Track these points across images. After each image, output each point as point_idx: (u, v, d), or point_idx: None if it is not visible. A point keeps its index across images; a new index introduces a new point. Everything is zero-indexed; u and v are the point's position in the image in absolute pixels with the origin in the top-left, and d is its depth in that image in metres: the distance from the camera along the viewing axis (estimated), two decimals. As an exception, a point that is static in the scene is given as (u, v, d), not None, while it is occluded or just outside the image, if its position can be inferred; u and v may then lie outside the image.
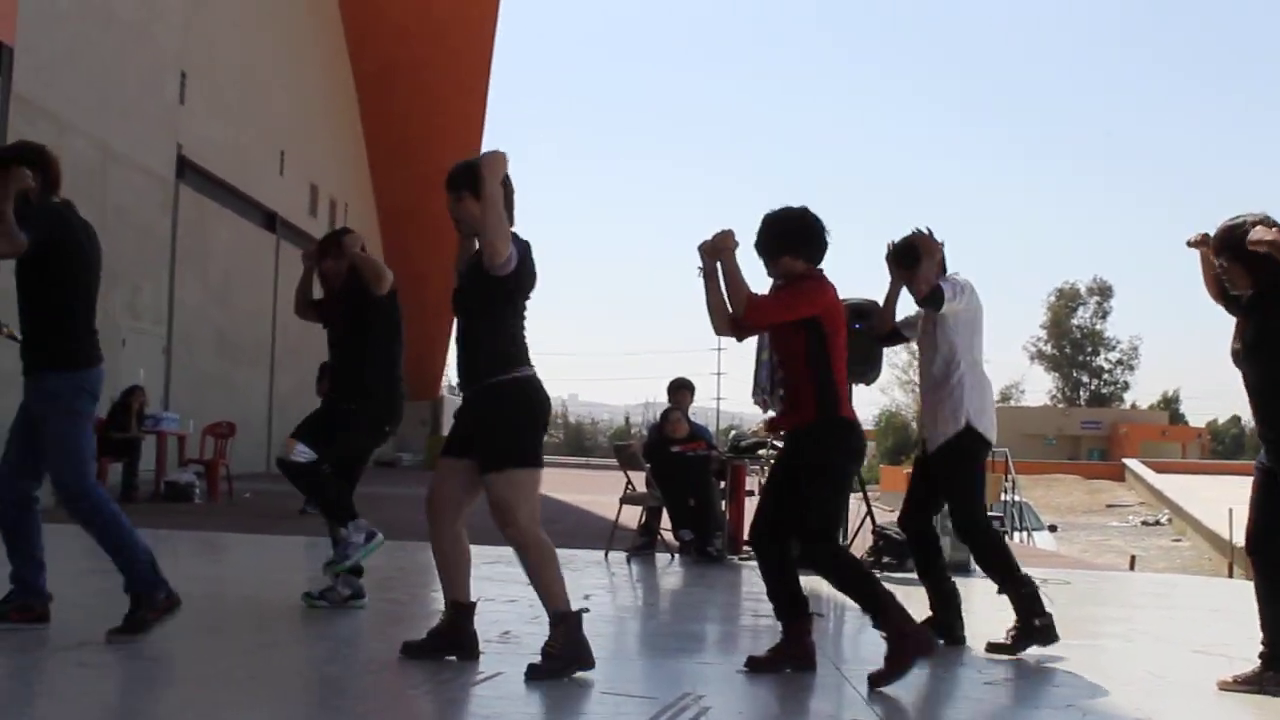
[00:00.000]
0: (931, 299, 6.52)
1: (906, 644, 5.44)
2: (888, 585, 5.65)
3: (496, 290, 5.46)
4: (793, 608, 5.78)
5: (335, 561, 6.86)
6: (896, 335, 7.19)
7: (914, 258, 6.63)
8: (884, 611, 5.52)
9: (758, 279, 5.84)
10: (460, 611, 5.67)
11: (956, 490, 6.64)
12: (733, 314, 5.79)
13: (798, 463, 5.74)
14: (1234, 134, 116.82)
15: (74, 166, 16.25)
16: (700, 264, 5.76)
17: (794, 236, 5.80)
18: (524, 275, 5.50)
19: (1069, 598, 9.28)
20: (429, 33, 30.08)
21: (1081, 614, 8.69)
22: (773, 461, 6.04)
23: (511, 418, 5.48)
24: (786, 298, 5.74)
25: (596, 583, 9.38)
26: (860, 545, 11.82)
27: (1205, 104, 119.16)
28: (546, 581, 5.50)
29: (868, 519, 11.83)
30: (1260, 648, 5.58)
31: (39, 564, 6.02)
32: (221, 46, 22.19)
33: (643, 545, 11.59)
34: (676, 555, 11.39)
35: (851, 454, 5.82)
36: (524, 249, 5.51)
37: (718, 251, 5.73)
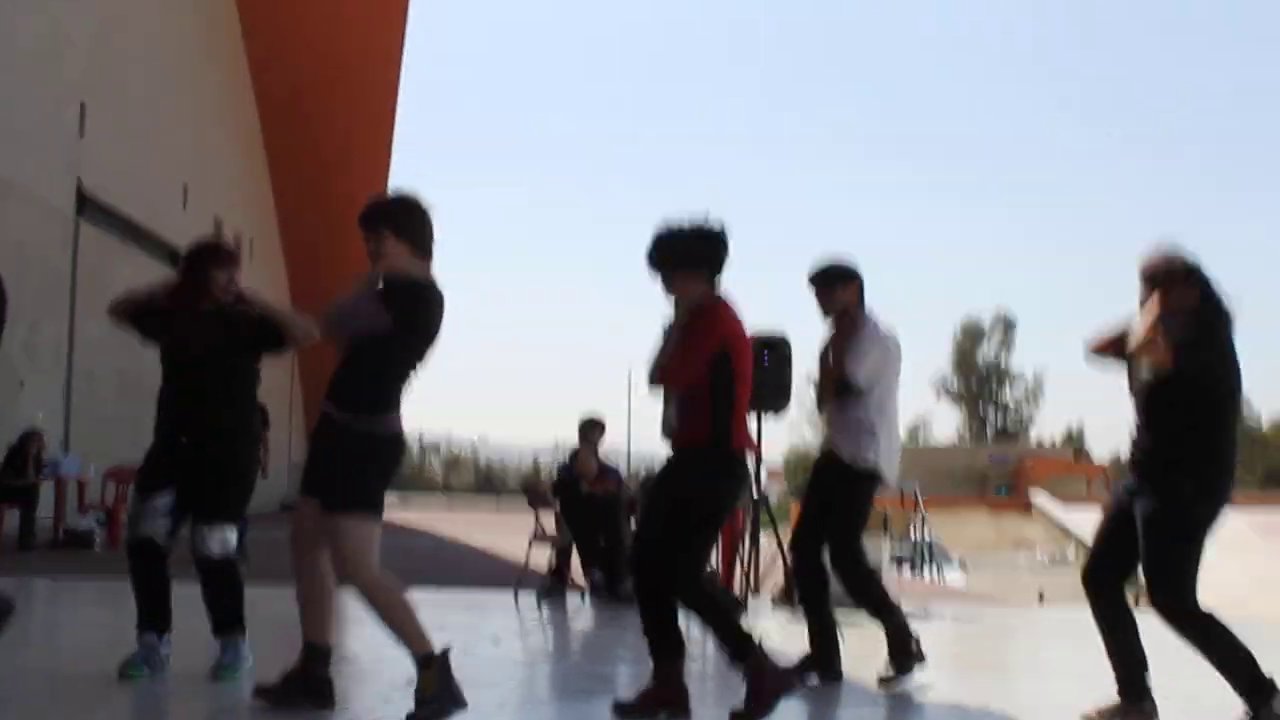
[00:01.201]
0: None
1: (765, 681, 5.30)
2: (803, 623, 5.60)
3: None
4: (666, 645, 5.57)
5: (229, 666, 6.07)
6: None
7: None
8: (743, 649, 5.37)
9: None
10: (315, 654, 5.36)
11: (840, 517, 6.71)
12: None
13: (675, 488, 5.61)
14: (1127, 165, 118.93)
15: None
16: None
17: (690, 252, 5.59)
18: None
19: (978, 634, 9.30)
20: (334, 61, 29.77)
21: (991, 649, 8.71)
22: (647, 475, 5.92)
23: (352, 462, 5.18)
24: (691, 353, 5.50)
25: (506, 625, 9.26)
26: (770, 583, 11.79)
27: (1100, 136, 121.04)
28: (399, 625, 5.13)
29: (780, 557, 11.78)
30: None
31: None
32: (123, 76, 21.83)
33: (553, 586, 11.45)
34: (587, 596, 11.28)
35: (731, 489, 5.60)
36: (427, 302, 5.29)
37: None
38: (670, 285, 5.63)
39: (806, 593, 6.74)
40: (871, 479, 6.69)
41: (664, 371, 5.60)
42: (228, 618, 6.08)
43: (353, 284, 5.32)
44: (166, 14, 24.68)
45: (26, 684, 5.64)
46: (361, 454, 5.16)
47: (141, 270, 23.08)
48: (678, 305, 5.62)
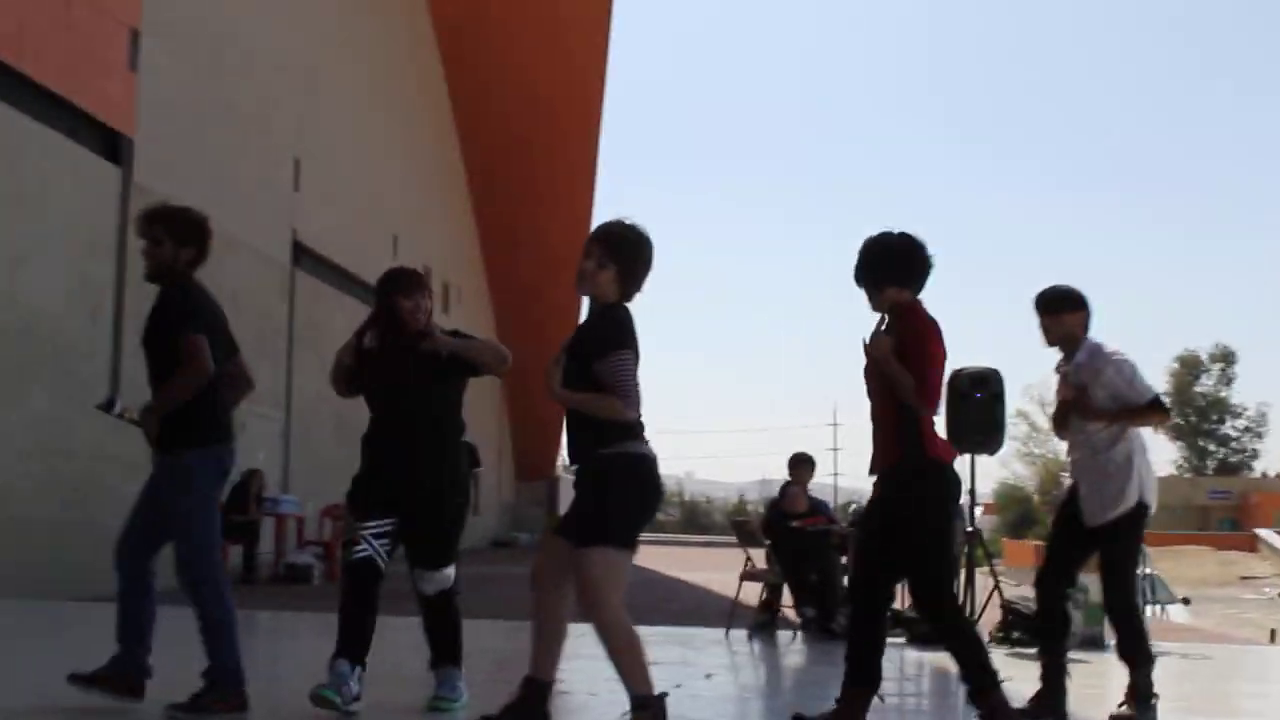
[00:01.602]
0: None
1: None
2: (1019, 662, 5.41)
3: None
4: (867, 672, 5.48)
5: (446, 698, 6.04)
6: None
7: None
8: (989, 684, 5.27)
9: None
10: (537, 689, 5.24)
11: (1119, 569, 6.34)
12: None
13: (894, 511, 5.47)
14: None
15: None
16: None
17: (896, 264, 5.53)
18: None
19: (1209, 673, 8.91)
20: (537, 113, 30.33)
21: (1222, 689, 8.34)
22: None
23: (616, 494, 5.10)
24: (928, 361, 5.41)
25: (718, 661, 9.18)
26: (988, 620, 11.50)
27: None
28: (629, 664, 5.07)
29: (995, 593, 11.51)
30: None
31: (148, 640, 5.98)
32: (334, 134, 22.54)
33: (764, 623, 11.35)
34: (799, 632, 11.13)
35: (945, 498, 5.49)
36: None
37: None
38: (877, 301, 5.54)
39: (1048, 632, 6.43)
40: (1142, 512, 6.33)
41: (931, 393, 5.44)
42: (445, 651, 6.08)
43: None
44: (374, 74, 25.39)
45: (253, 714, 5.74)
46: (625, 481, 5.09)
47: (354, 317, 23.68)
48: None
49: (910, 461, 5.41)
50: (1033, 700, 6.15)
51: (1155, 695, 6.12)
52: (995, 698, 5.27)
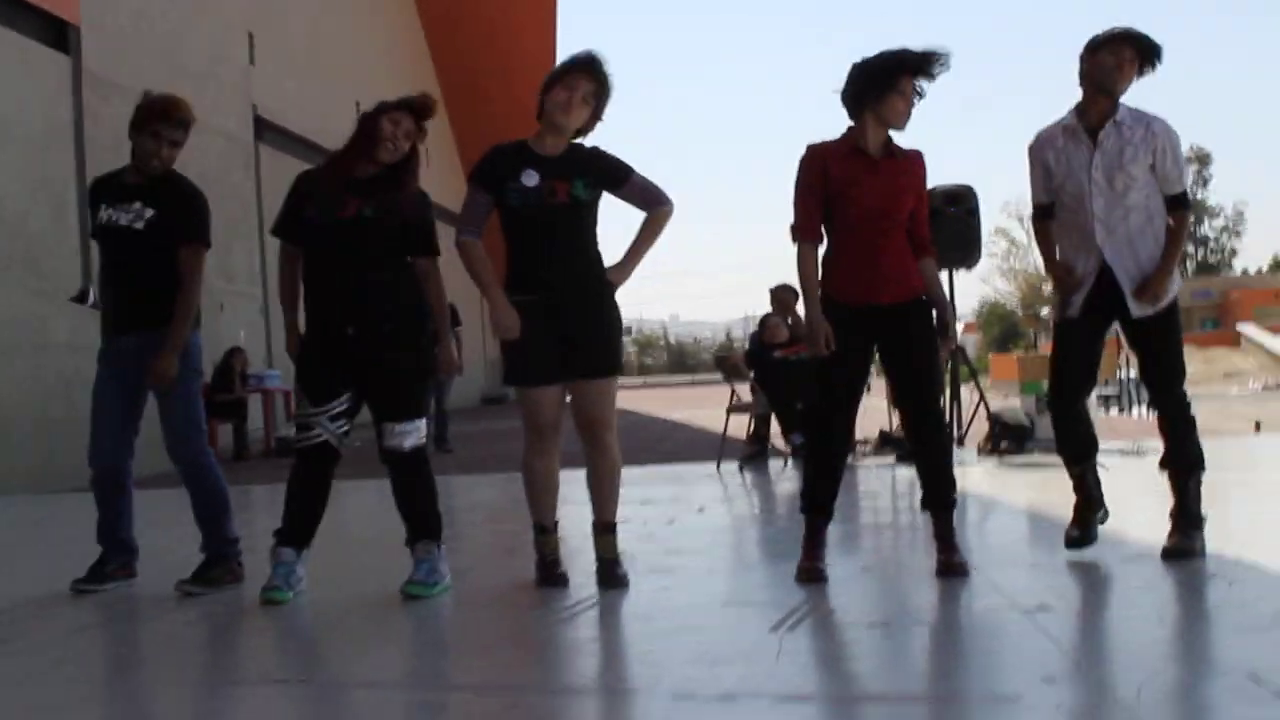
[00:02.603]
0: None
1: None
2: (1009, 471, 5.45)
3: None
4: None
5: (422, 584, 5.52)
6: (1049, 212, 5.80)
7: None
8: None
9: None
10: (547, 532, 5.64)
11: (1175, 361, 5.66)
12: None
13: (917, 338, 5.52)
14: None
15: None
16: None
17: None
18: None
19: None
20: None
21: (1210, 479, 8.44)
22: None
23: (618, 324, 5.61)
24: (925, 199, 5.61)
25: (710, 494, 9.27)
26: (976, 433, 11.63)
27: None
28: (616, 490, 5.59)
29: (982, 405, 11.62)
30: None
31: (131, 522, 6.16)
32: (286, 3, 22.11)
33: (754, 454, 11.45)
34: (789, 460, 11.23)
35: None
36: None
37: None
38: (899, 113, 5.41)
39: (1082, 449, 5.75)
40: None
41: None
42: (420, 523, 5.63)
43: None
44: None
45: (250, 586, 5.79)
46: (618, 313, 5.61)
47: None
48: (868, 139, 5.42)
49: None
50: (1076, 521, 5.70)
51: (1204, 517, 5.58)
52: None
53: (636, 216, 5.57)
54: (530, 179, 5.35)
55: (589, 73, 5.43)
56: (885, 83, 5.33)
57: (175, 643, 5.09)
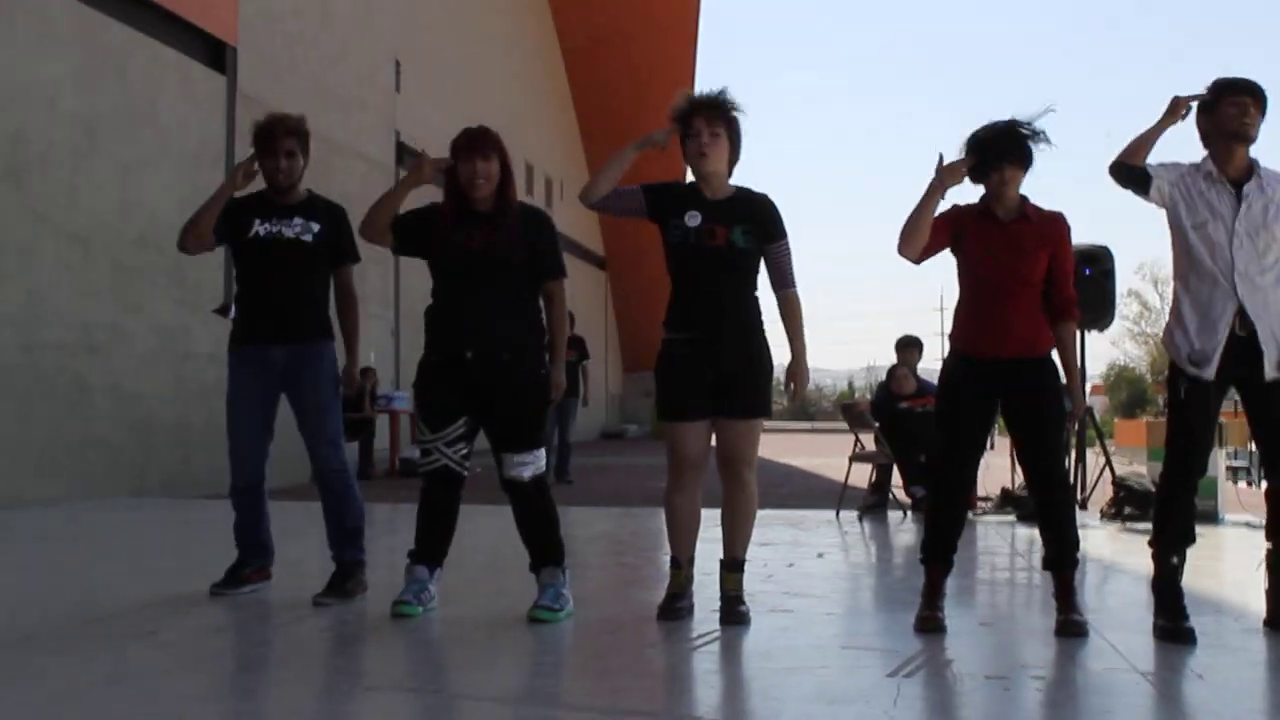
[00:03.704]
0: None
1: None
2: (1131, 537, 5.44)
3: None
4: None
5: (548, 609, 5.60)
6: (1136, 177, 5.52)
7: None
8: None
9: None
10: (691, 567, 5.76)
11: None
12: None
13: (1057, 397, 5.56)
14: None
15: (300, 157, 16.81)
16: (936, 176, 5.47)
17: (1024, 147, 5.51)
18: None
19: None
20: (634, 3, 30.18)
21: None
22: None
23: (770, 366, 5.76)
24: (1069, 262, 5.64)
25: (829, 541, 9.30)
26: (1099, 497, 11.53)
27: None
28: (750, 530, 5.74)
29: (1107, 470, 11.52)
30: None
31: (269, 524, 6.41)
32: (433, 34, 22.59)
33: (874, 504, 11.47)
34: (909, 512, 11.23)
35: None
36: None
37: (952, 177, 5.50)
38: (1007, 184, 5.50)
39: (1185, 533, 5.51)
40: None
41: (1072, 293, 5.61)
42: (546, 550, 5.72)
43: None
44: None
45: (374, 601, 5.96)
46: (769, 356, 5.74)
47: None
48: (1001, 204, 5.51)
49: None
50: (1171, 611, 5.38)
51: None
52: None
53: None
54: (693, 219, 5.55)
55: (709, 111, 5.60)
56: (990, 163, 5.47)
57: (308, 647, 5.28)
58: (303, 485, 6.36)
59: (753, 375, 5.63)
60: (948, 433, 5.58)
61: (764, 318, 5.71)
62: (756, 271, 5.68)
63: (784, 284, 5.71)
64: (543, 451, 5.79)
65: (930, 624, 5.46)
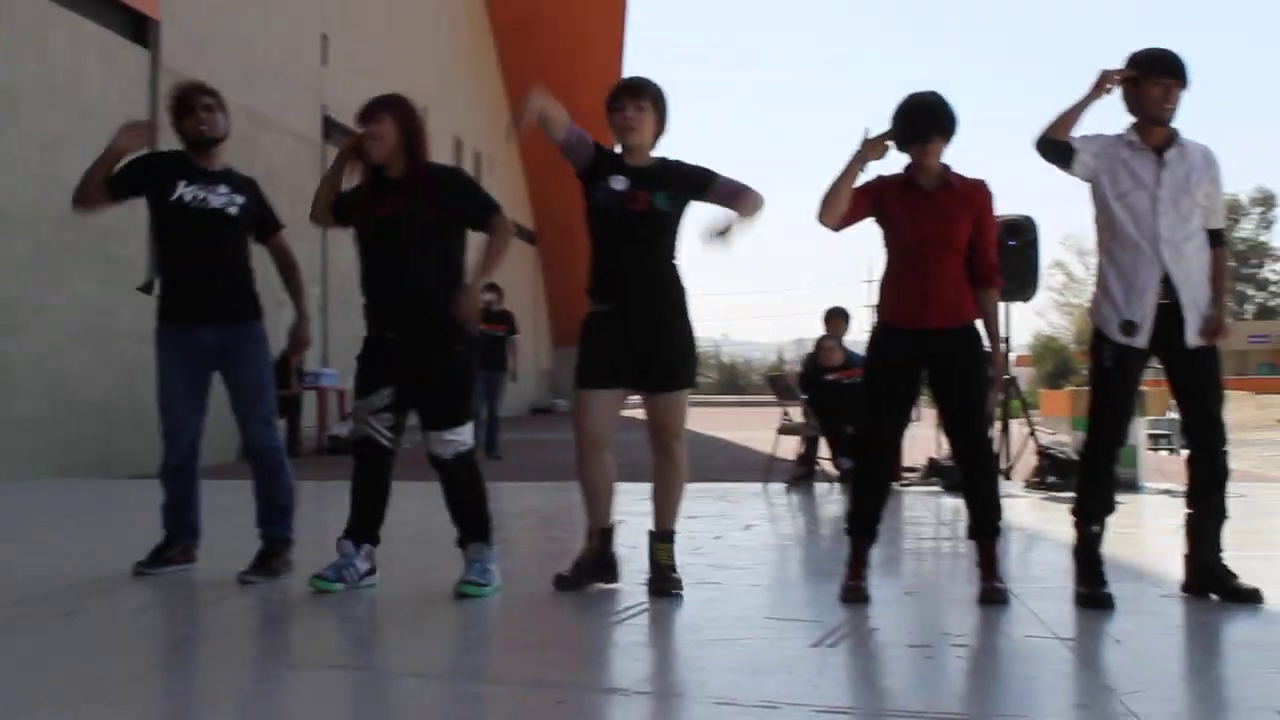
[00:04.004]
0: None
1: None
2: (1054, 506, 5.52)
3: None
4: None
5: (474, 584, 5.62)
6: (1060, 152, 5.55)
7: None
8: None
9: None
10: (606, 536, 5.77)
11: (1219, 388, 5.63)
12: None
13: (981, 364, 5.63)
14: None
15: (224, 132, 16.63)
16: (858, 149, 5.50)
17: (951, 120, 5.57)
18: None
19: (1243, 511, 9.02)
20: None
21: (1257, 525, 8.48)
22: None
23: (692, 337, 5.83)
24: (991, 231, 5.71)
25: (756, 513, 9.37)
26: (1023, 467, 11.67)
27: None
28: (678, 500, 5.78)
29: (1030, 440, 11.65)
30: None
31: (199, 506, 6.34)
32: (361, 7, 22.39)
33: (802, 475, 11.54)
34: (836, 484, 11.32)
35: None
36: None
37: (873, 151, 5.53)
38: (928, 154, 5.53)
39: (1107, 503, 5.61)
40: None
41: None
42: (472, 526, 5.74)
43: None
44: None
45: (296, 583, 5.94)
46: (690, 327, 5.82)
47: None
48: (924, 173, 5.55)
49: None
50: (1087, 578, 5.51)
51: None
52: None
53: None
54: (619, 183, 5.62)
55: (634, 92, 5.72)
56: (914, 134, 5.52)
57: (234, 626, 5.28)
58: (227, 464, 6.30)
59: (672, 348, 5.69)
60: (874, 403, 5.64)
61: (685, 287, 5.76)
62: (675, 236, 5.73)
63: (746, 191, 5.73)
64: (468, 428, 5.77)
65: (855, 594, 5.52)
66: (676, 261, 5.75)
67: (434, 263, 5.64)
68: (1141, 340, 5.47)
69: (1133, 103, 5.56)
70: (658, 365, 5.63)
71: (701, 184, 5.73)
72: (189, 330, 6.09)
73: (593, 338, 5.71)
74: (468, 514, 5.76)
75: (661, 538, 5.73)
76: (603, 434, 5.68)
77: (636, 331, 5.60)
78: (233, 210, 6.09)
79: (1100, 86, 5.52)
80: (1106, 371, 5.56)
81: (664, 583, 5.63)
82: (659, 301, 5.66)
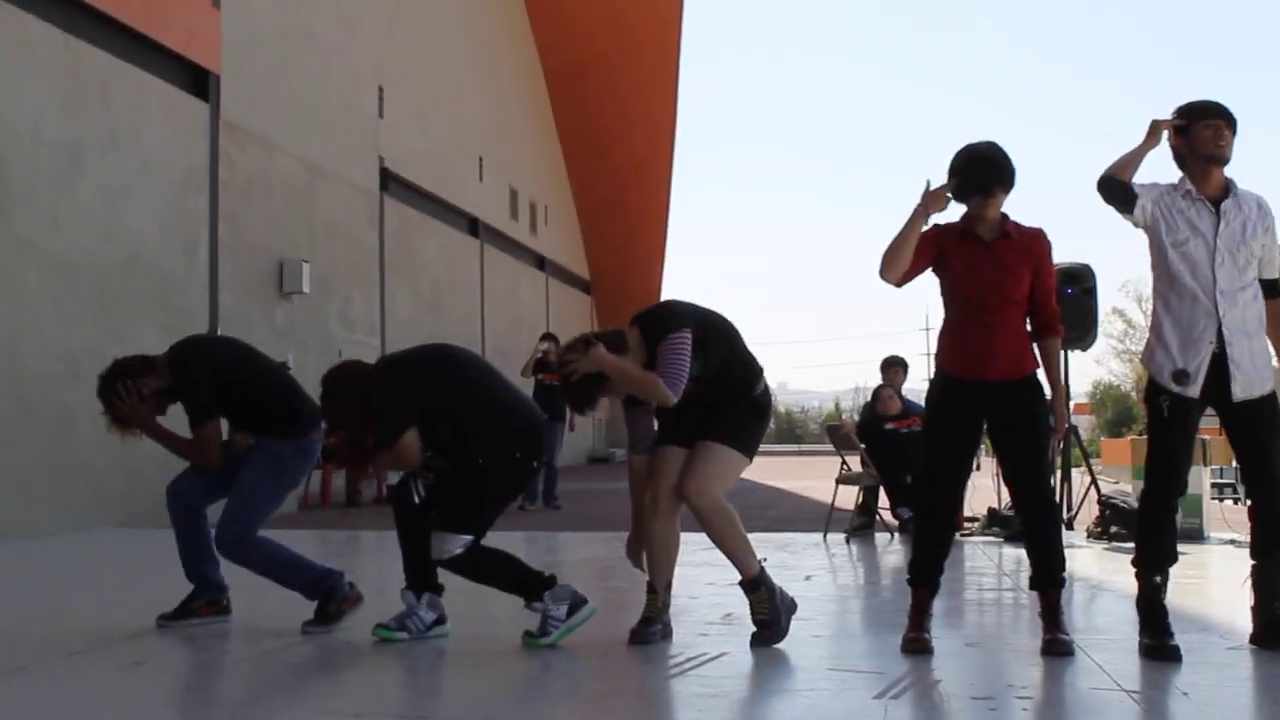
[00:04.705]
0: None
1: None
2: (1117, 556, 5.45)
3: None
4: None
5: (535, 635, 5.70)
6: (1123, 194, 5.53)
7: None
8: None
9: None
10: (667, 593, 5.79)
11: (1276, 447, 5.45)
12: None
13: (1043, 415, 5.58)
14: None
15: (284, 185, 16.85)
16: (920, 202, 5.45)
17: (1011, 171, 5.58)
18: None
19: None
20: (616, 27, 30.31)
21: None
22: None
23: (751, 409, 5.80)
24: (1050, 279, 5.65)
25: (816, 563, 9.31)
26: (1085, 516, 11.55)
27: None
28: (735, 546, 5.66)
29: (1092, 489, 11.54)
30: None
31: (215, 561, 6.36)
32: (416, 58, 22.63)
33: (861, 525, 11.47)
34: (896, 534, 11.24)
35: None
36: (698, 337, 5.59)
37: (936, 204, 5.49)
38: (990, 206, 5.52)
39: (1167, 553, 5.55)
40: None
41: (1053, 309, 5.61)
42: (515, 592, 5.80)
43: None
44: (452, -9, 25.43)
45: (354, 632, 5.95)
46: (760, 415, 5.84)
47: (444, 241, 23.98)
48: (983, 224, 5.54)
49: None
50: (1157, 628, 5.44)
51: None
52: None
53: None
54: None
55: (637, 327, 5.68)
56: (975, 186, 5.51)
57: (300, 674, 5.28)
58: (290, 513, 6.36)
59: (734, 417, 5.76)
60: (934, 454, 5.61)
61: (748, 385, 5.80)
62: (718, 360, 5.68)
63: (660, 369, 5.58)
64: (459, 538, 5.66)
65: (917, 645, 5.47)
66: (734, 368, 5.76)
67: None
68: (1194, 390, 5.42)
69: (1185, 152, 5.53)
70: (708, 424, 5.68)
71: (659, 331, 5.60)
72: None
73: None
74: (503, 588, 5.83)
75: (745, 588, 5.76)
76: (668, 493, 5.67)
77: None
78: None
79: (1154, 134, 5.52)
80: (1164, 420, 5.50)
81: (757, 636, 5.67)
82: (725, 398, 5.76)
